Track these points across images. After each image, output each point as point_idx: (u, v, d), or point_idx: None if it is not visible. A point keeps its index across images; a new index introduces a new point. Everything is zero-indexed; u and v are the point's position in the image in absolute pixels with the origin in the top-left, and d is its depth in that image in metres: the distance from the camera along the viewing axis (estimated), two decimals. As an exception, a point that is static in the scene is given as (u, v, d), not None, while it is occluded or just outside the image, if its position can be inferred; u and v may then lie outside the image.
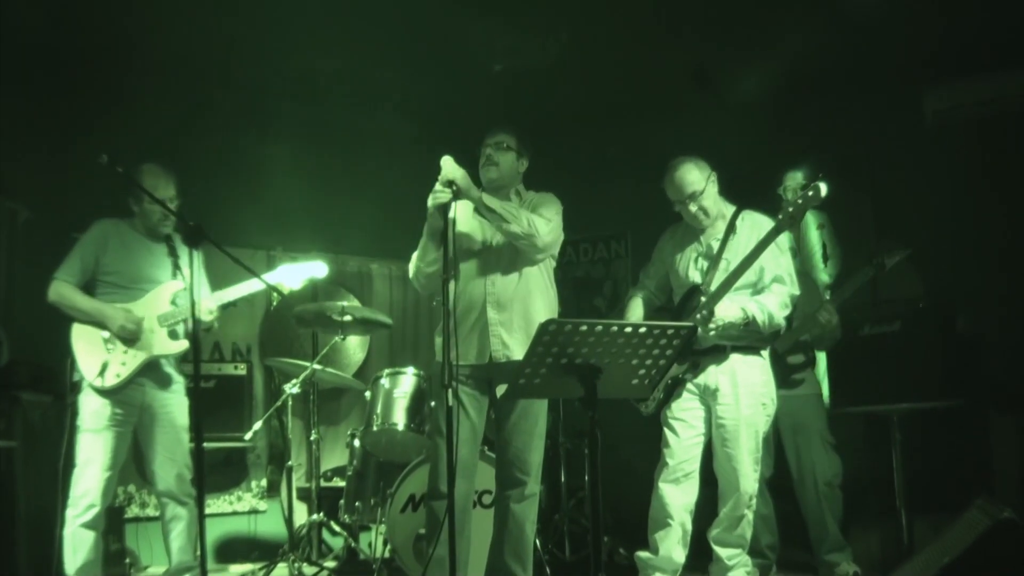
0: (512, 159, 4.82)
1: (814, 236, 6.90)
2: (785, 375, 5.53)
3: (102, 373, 4.79)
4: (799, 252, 6.76)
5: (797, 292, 4.84)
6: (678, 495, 4.75)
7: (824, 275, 6.74)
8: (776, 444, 5.67)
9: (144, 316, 4.90)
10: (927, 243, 5.96)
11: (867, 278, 5.44)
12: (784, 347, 5.52)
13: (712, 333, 4.60)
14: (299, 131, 7.41)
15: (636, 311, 5.12)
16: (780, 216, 4.51)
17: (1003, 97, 6.21)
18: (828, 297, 5.77)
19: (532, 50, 6.61)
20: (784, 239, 4.82)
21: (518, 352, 4.56)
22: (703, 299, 4.68)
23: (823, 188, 4.38)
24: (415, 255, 4.81)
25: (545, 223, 4.64)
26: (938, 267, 6.00)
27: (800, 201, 4.45)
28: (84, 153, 4.32)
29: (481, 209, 4.60)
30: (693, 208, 4.83)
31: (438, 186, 4.44)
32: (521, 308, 4.69)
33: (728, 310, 4.59)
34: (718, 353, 4.78)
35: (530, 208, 4.73)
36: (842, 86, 6.66)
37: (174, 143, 6.27)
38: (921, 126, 6.43)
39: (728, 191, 5.00)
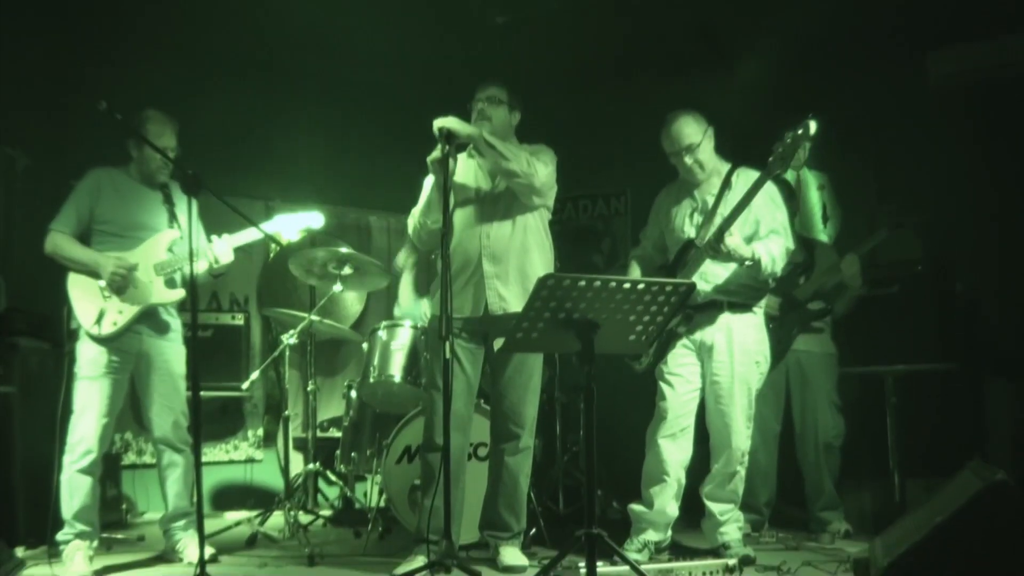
0: (504, 113, 4.81)
1: (814, 197, 6.88)
2: (805, 319, 5.55)
3: (99, 321, 4.78)
4: (799, 212, 6.77)
5: (792, 246, 4.84)
6: (674, 450, 4.78)
7: (823, 236, 6.73)
8: (786, 397, 5.71)
9: (138, 263, 4.88)
10: (927, 207, 5.96)
11: (883, 238, 5.44)
12: (805, 295, 5.53)
13: (711, 255, 4.59)
14: (299, 82, 7.38)
15: (633, 273, 5.14)
16: (771, 158, 4.45)
17: (1006, 62, 6.18)
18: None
19: (533, 3, 6.56)
20: (778, 194, 4.83)
21: (514, 305, 4.58)
22: (706, 238, 4.65)
23: (812, 125, 4.32)
24: (416, 211, 4.81)
25: (543, 165, 4.65)
26: (937, 231, 6.00)
27: (789, 140, 4.39)
28: (83, 100, 4.30)
29: (480, 146, 4.60)
30: (688, 160, 4.82)
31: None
32: (517, 260, 4.71)
33: (738, 242, 4.58)
34: (713, 309, 4.80)
35: None
36: (845, 49, 6.62)
37: (173, 91, 6.24)
38: (924, 90, 6.40)
39: (729, 152, 4.98)
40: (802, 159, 6.19)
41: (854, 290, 5.52)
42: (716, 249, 4.54)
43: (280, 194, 7.37)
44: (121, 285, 4.82)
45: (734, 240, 4.55)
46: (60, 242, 4.86)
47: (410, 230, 4.88)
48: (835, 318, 5.73)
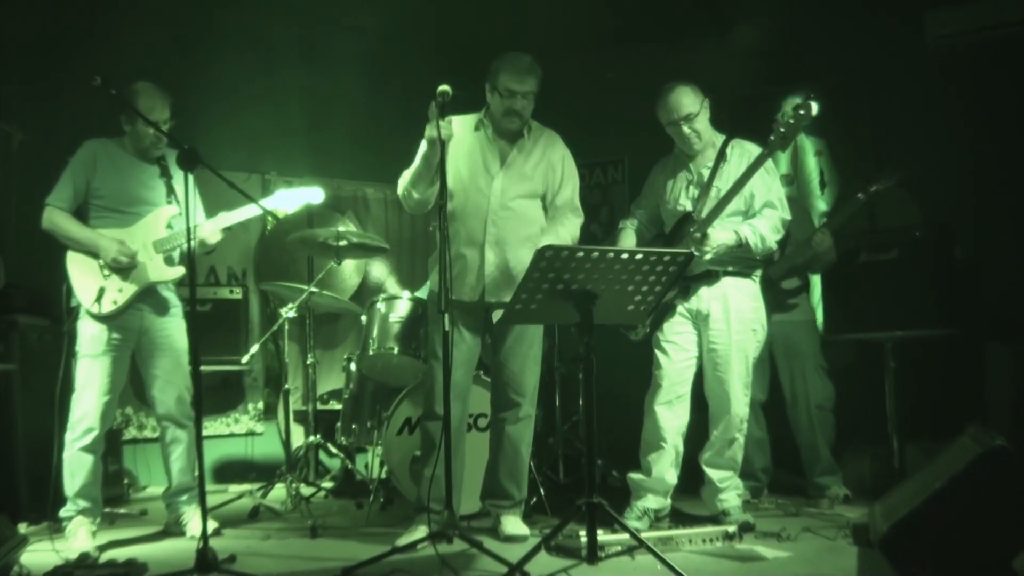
0: (533, 103, 4.76)
1: (812, 163, 6.88)
2: (780, 300, 5.57)
3: (99, 299, 4.74)
4: (796, 179, 6.76)
5: (788, 217, 4.86)
6: (671, 417, 4.81)
7: (821, 202, 6.73)
8: (771, 368, 5.71)
9: (139, 245, 4.86)
10: (926, 170, 5.94)
11: (859, 205, 5.42)
12: (778, 273, 5.54)
13: (708, 256, 4.62)
14: (294, 54, 7.34)
15: (628, 241, 5.15)
16: (772, 137, 4.50)
17: (1005, 22, 6.13)
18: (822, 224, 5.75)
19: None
20: (772, 164, 4.82)
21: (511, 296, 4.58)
22: (694, 225, 4.68)
23: (814, 107, 4.39)
24: (407, 177, 4.74)
25: (576, 222, 4.93)
26: (936, 195, 5.99)
27: (792, 121, 4.45)
28: (79, 75, 4.28)
29: None
30: (686, 129, 4.82)
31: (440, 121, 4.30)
32: (519, 251, 4.72)
33: (722, 234, 4.62)
34: (710, 278, 4.81)
35: (550, 163, 4.82)
36: (843, 10, 6.58)
37: (167, 65, 6.21)
38: (922, 51, 6.36)
39: (728, 116, 4.97)
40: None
41: (828, 263, 5.53)
42: (701, 248, 4.56)
43: (276, 167, 7.36)
44: (124, 269, 4.81)
45: (717, 236, 4.60)
46: (57, 219, 4.81)
47: (400, 193, 4.80)
48: (816, 272, 5.74)
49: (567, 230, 4.83)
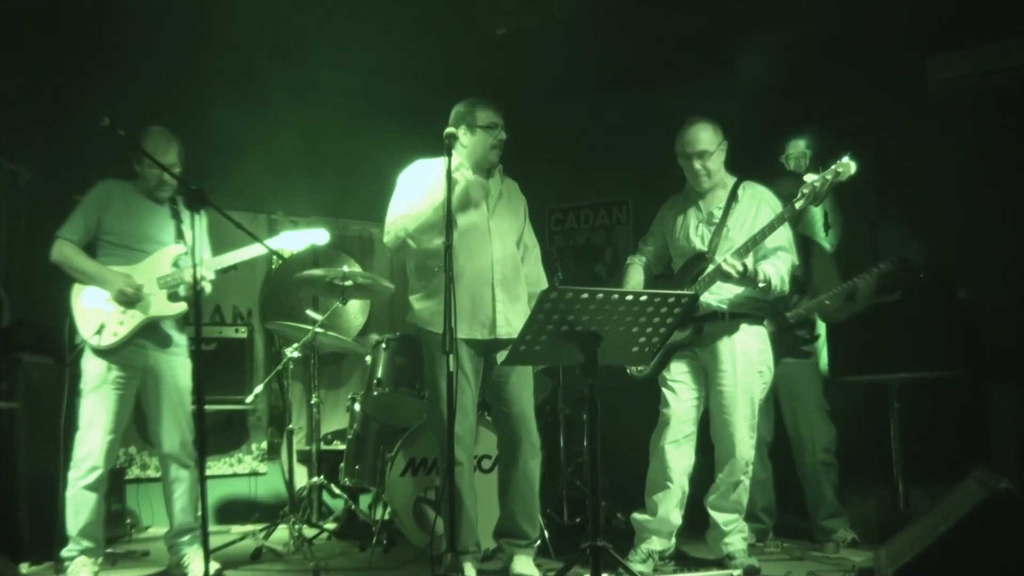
0: None
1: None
2: (794, 344, 5.54)
3: (99, 332, 4.76)
4: (800, 220, 6.77)
5: (798, 262, 4.86)
6: (678, 457, 4.80)
7: (825, 243, 6.74)
8: (775, 410, 5.70)
9: (144, 281, 4.88)
10: (929, 213, 5.95)
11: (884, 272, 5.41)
12: (798, 318, 5.52)
13: (732, 278, 4.59)
14: (300, 95, 7.38)
15: (635, 277, 5.14)
16: (804, 191, 4.47)
17: (1007, 67, 6.18)
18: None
19: (535, 13, 6.57)
20: (782, 208, 4.82)
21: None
22: (721, 256, 4.64)
23: (853, 166, 4.37)
24: (402, 221, 4.75)
25: (538, 255, 5.02)
26: (939, 237, 6.00)
27: (829, 177, 4.42)
28: (86, 115, 4.31)
29: None
30: (697, 165, 4.85)
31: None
32: (519, 285, 4.81)
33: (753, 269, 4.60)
34: (718, 320, 4.80)
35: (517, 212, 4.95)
36: (846, 54, 6.63)
37: (174, 105, 6.26)
38: (924, 95, 6.41)
39: (730, 158, 4.99)
40: (804, 166, 6.21)
41: (861, 306, 5.50)
42: (743, 276, 4.55)
43: (282, 208, 7.38)
44: (128, 303, 4.83)
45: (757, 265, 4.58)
46: (67, 252, 4.85)
47: (392, 238, 4.81)
48: (837, 319, 5.72)
49: (539, 267, 5.05)
